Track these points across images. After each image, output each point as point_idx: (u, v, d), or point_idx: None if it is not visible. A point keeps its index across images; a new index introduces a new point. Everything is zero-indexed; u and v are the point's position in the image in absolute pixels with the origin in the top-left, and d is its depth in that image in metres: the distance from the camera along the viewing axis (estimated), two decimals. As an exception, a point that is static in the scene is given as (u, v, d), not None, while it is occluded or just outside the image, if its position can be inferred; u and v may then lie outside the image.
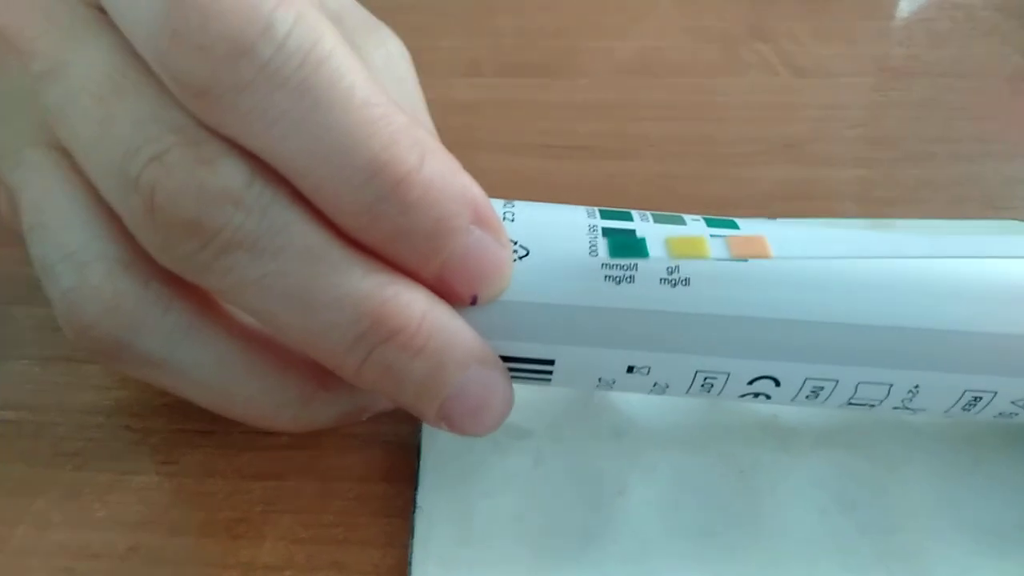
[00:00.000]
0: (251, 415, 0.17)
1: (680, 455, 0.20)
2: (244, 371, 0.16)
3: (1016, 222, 0.26)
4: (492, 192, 0.28)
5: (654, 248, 0.16)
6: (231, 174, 0.14)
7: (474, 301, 0.16)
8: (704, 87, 0.32)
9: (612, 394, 0.20)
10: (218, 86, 0.13)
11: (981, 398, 0.17)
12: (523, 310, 0.16)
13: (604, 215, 0.17)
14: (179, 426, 0.20)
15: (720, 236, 0.16)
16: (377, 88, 0.14)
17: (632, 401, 0.21)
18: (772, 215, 0.26)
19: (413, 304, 0.15)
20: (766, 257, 0.16)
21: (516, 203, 0.17)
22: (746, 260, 0.16)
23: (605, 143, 0.30)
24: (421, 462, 0.19)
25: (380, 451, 0.20)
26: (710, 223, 0.17)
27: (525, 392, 0.18)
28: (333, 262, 0.14)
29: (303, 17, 0.13)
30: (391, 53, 0.20)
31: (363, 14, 0.20)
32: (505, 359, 0.17)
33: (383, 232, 0.14)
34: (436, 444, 0.20)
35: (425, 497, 0.19)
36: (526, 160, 0.29)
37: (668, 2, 0.37)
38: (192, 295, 0.16)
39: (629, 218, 0.17)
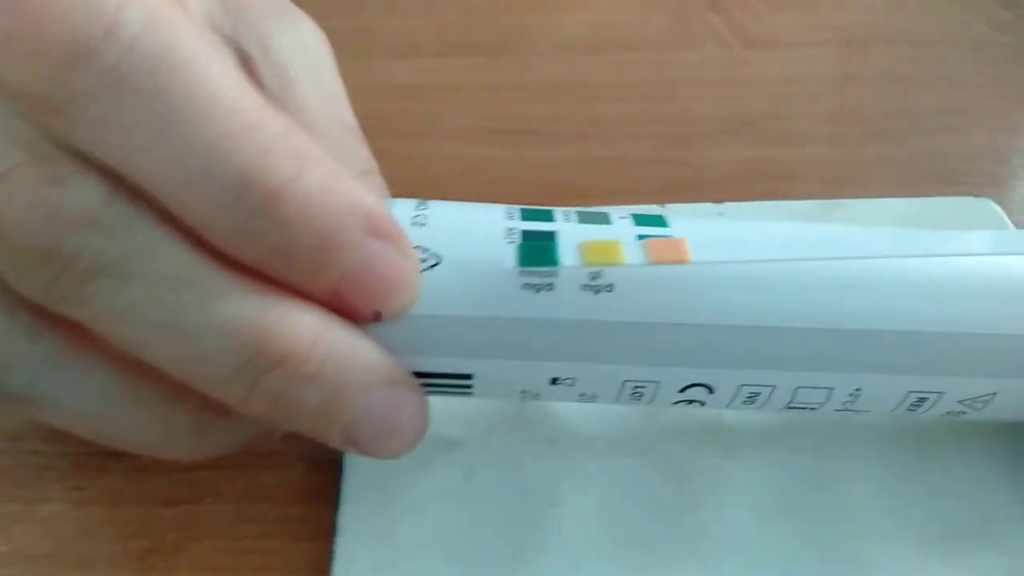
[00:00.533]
0: (142, 446, 0.16)
1: (617, 462, 0.19)
2: (129, 401, 0.15)
3: (973, 198, 0.24)
4: (434, 182, 0.27)
5: (567, 255, 0.15)
6: (86, 193, 0.12)
7: (378, 317, 0.14)
8: (656, 63, 0.31)
9: (545, 400, 0.19)
10: (59, 96, 0.12)
11: (927, 399, 0.16)
12: (435, 324, 0.15)
13: (524, 215, 0.16)
14: (90, 448, 0.19)
15: (638, 240, 0.15)
16: (249, 92, 0.13)
17: (567, 407, 0.19)
18: (728, 199, 0.25)
19: (302, 327, 0.13)
20: (684, 262, 0.14)
21: (430, 204, 0.16)
22: (664, 265, 0.15)
23: (553, 126, 0.28)
24: (343, 480, 0.18)
25: (301, 469, 0.19)
26: (638, 220, 0.16)
27: (455, 402, 0.17)
28: (207, 286, 0.13)
29: (156, 16, 0.12)
30: (303, 40, 0.19)
31: None
32: (419, 375, 0.15)
33: (262, 251, 0.13)
34: (359, 460, 0.18)
35: (347, 518, 0.18)
36: (470, 147, 0.28)
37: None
38: (66, 323, 0.14)
39: (550, 218, 0.16)
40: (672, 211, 0.24)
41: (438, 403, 0.18)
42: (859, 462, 0.19)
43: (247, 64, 0.18)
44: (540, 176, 0.27)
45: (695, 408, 0.17)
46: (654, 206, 0.24)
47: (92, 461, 0.19)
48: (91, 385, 0.15)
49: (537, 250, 0.15)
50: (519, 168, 0.27)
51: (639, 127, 0.28)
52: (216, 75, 0.12)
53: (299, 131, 0.13)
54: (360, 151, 0.19)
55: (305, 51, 0.19)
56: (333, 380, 0.14)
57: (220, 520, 0.18)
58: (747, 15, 0.33)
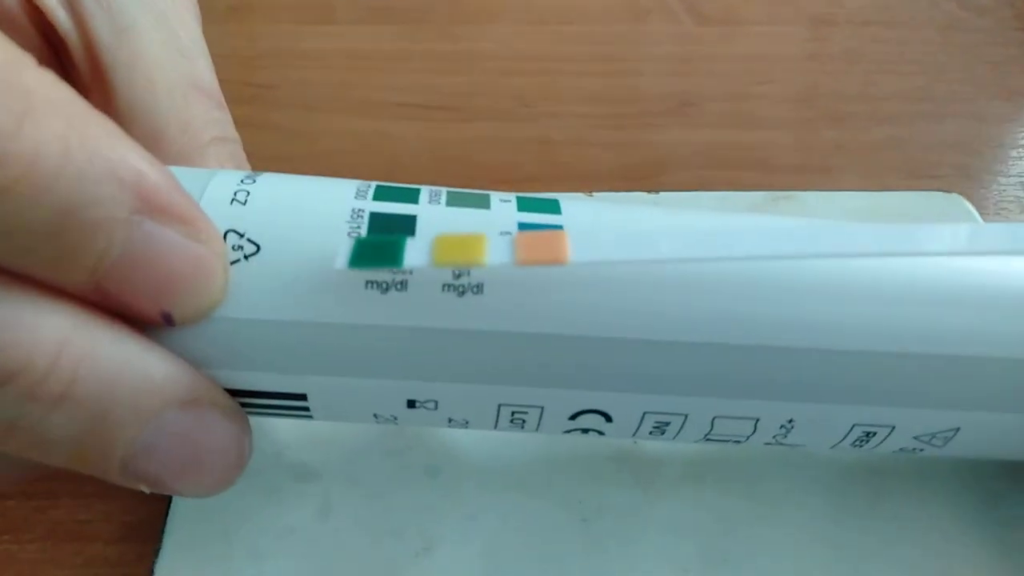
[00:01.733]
0: None
1: (510, 499, 0.15)
2: None
3: (940, 194, 0.22)
4: (327, 159, 0.24)
5: (414, 253, 0.11)
6: None
7: (170, 320, 0.11)
8: (594, 36, 0.28)
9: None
10: None
11: (875, 433, 0.13)
12: (249, 330, 0.12)
13: (379, 195, 0.13)
14: None
15: (508, 233, 0.12)
16: None
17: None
18: (665, 187, 0.22)
19: (42, 331, 0.10)
20: (560, 262, 0.11)
21: (261, 177, 0.13)
22: (535, 266, 0.11)
23: (471, 102, 0.25)
24: (169, 515, 0.15)
25: (127, 501, 0.16)
26: (523, 206, 0.13)
27: (317, 421, 0.14)
28: None
29: None
30: None
31: None
32: (237, 393, 0.12)
33: None
34: (193, 491, 0.15)
35: (167, 564, 0.14)
36: (374, 122, 0.24)
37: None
38: None
39: (413, 199, 0.13)
40: (597, 199, 0.21)
41: (287, 421, 0.15)
42: (796, 501, 0.16)
43: (74, 8, 0.15)
44: (447, 159, 0.23)
45: (593, 437, 0.14)
46: (579, 194, 0.21)
47: None
48: None
49: (375, 247, 0.11)
50: (425, 147, 0.24)
51: (569, 105, 0.25)
52: None
53: (34, 69, 0.10)
54: (212, 115, 0.16)
55: None
56: (92, 402, 0.10)
57: (17, 562, 0.15)
58: (700, -13, 0.30)
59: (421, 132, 0.24)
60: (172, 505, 0.15)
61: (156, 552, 0.14)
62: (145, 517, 0.15)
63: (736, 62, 0.27)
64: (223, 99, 0.16)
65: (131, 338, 0.11)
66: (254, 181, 0.12)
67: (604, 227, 0.13)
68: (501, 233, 0.12)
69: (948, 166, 0.24)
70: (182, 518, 0.15)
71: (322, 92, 0.25)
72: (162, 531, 0.15)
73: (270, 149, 0.17)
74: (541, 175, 0.23)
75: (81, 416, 0.10)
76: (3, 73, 0.09)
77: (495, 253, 0.11)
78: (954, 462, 0.16)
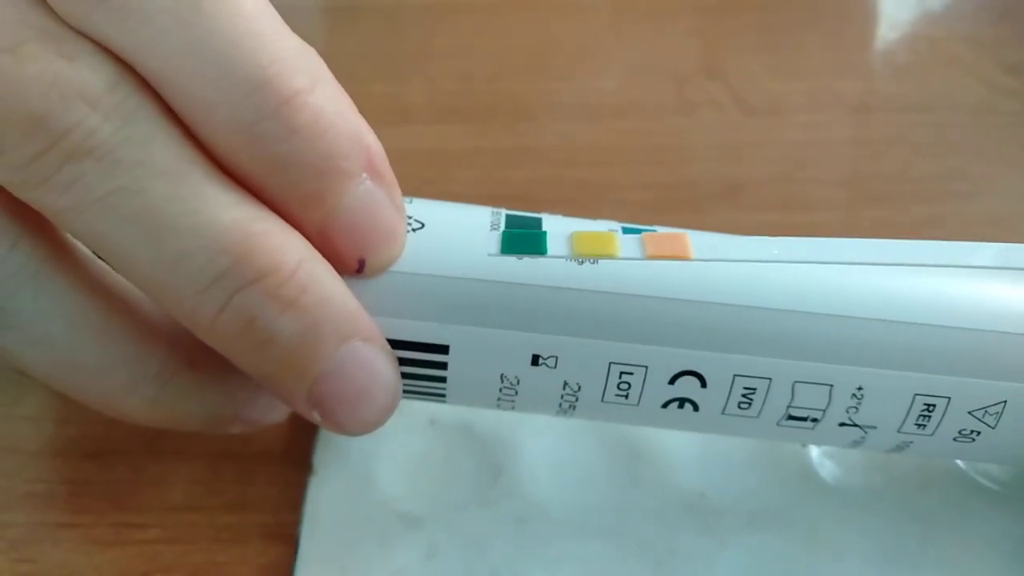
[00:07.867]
0: (100, 390, 0.15)
1: (591, 544, 0.17)
2: (98, 332, 0.14)
3: (976, 267, 0.23)
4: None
5: (555, 244, 0.15)
6: (93, 72, 0.12)
7: (361, 268, 0.14)
8: (648, 129, 0.30)
9: (517, 475, 0.18)
10: None
11: (935, 406, 0.15)
12: (414, 283, 0.14)
13: (509, 221, 0.16)
14: (41, 518, 0.18)
15: (634, 232, 0.15)
16: (270, 8, 0.13)
17: (540, 480, 0.18)
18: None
19: (287, 247, 0.13)
20: (685, 258, 0.14)
21: (415, 198, 0.16)
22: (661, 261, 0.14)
23: (539, 191, 0.28)
24: (297, 559, 0.17)
25: (258, 544, 0.18)
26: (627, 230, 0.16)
27: (422, 476, 0.17)
28: (196, 183, 0.13)
29: None
30: None
31: None
32: (393, 345, 0.15)
33: (262, 158, 0.13)
34: (317, 536, 0.17)
35: (298, 600, 0.17)
36: (456, 211, 0.27)
37: (615, 42, 0.35)
38: (45, 235, 0.14)
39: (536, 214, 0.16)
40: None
41: (401, 477, 0.18)
42: (853, 545, 0.17)
43: None
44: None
45: (687, 415, 0.16)
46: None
47: (43, 532, 0.18)
48: (63, 308, 0.14)
49: (522, 238, 0.15)
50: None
51: (625, 192, 0.28)
52: None
53: (315, 53, 0.13)
54: None
55: None
56: (311, 314, 0.13)
57: (167, 600, 0.17)
58: (745, 82, 0.32)
59: (496, 219, 0.27)
60: (299, 548, 0.17)
61: (287, 589, 0.17)
62: (272, 560, 0.18)
63: (781, 149, 0.29)
64: None
65: (336, 274, 0.14)
66: (411, 198, 0.16)
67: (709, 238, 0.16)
68: (624, 231, 0.15)
69: (983, 241, 0.25)
70: (309, 559, 0.17)
71: (403, 187, 0.28)
72: (291, 572, 0.17)
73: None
74: (605, 256, 0.25)
75: (301, 323, 0.13)
76: (303, 53, 0.13)
77: (626, 248, 0.14)
78: (993, 511, 0.18)
